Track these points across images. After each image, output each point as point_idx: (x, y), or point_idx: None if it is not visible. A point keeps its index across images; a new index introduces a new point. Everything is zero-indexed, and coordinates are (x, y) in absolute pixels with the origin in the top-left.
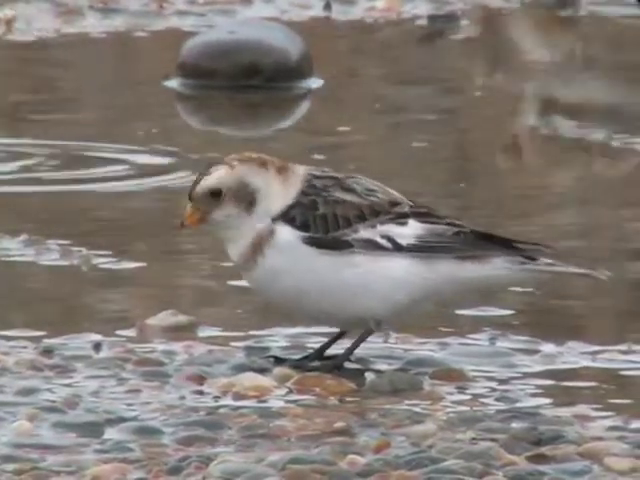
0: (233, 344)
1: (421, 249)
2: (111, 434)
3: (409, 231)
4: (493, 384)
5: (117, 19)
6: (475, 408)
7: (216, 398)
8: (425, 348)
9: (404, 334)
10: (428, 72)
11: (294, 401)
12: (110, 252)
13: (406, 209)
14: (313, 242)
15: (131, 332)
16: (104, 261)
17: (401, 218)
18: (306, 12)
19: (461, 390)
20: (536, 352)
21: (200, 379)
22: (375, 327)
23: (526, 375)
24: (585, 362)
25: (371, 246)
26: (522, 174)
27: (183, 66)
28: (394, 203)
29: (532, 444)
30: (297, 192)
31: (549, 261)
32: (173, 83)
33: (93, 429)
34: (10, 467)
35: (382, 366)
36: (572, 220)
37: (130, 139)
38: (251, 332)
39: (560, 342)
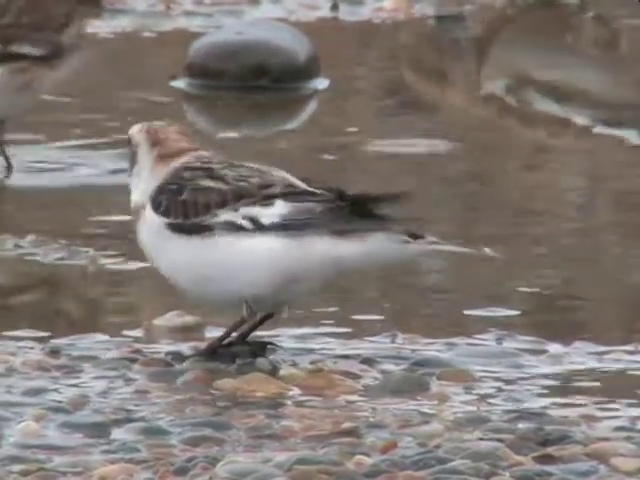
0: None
1: (285, 227)
2: (118, 434)
3: (274, 211)
4: (500, 384)
5: (124, 19)
6: (482, 408)
7: (223, 399)
8: (432, 348)
9: (411, 334)
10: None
11: (301, 402)
12: (117, 252)
13: (276, 191)
14: (174, 227)
15: (138, 332)
16: (111, 261)
17: (267, 199)
18: (313, 13)
19: (468, 390)
20: (543, 352)
21: (207, 379)
22: (247, 313)
23: (533, 375)
24: (592, 362)
25: (231, 228)
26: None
27: (191, 67)
28: (264, 186)
29: (539, 444)
30: (162, 181)
31: (433, 239)
32: (180, 83)
33: (100, 429)
34: (17, 468)
35: (389, 366)
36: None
37: None
38: (257, 333)
39: (567, 342)
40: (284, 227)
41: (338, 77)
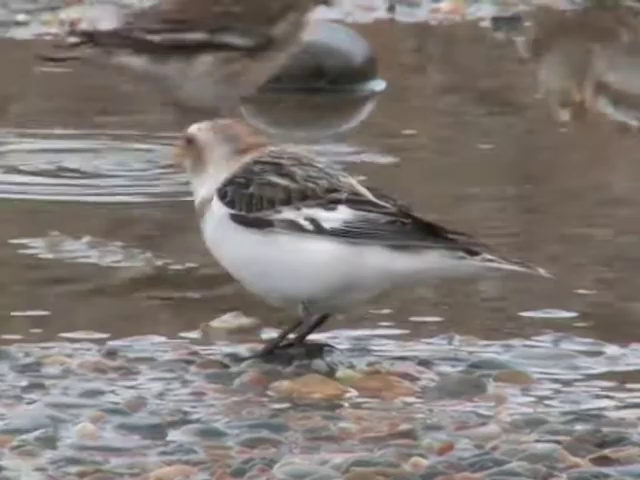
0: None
1: (346, 234)
2: (175, 436)
3: (337, 215)
4: (557, 386)
5: None
6: (539, 410)
7: (280, 400)
8: (489, 350)
9: (468, 336)
10: (492, 74)
11: (358, 403)
12: (173, 254)
13: (342, 196)
14: (237, 219)
15: (195, 334)
16: (167, 262)
17: (332, 203)
18: (370, 14)
19: (525, 392)
20: (600, 354)
21: (264, 381)
22: (303, 313)
23: (590, 377)
24: None
25: (292, 227)
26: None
27: None
28: (330, 190)
29: (596, 446)
30: (232, 173)
31: (489, 257)
32: None
33: (157, 431)
34: (74, 469)
35: (446, 368)
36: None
37: None
38: (315, 334)
39: (624, 344)
40: (344, 233)
41: (395, 79)
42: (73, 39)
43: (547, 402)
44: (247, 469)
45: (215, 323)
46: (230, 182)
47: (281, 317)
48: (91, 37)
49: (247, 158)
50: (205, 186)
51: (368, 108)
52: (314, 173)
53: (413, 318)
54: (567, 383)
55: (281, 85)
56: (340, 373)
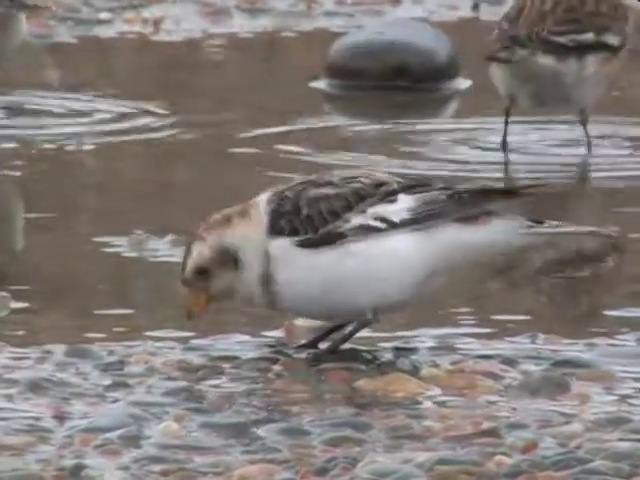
0: (381, 344)
1: (416, 221)
2: (258, 435)
3: (400, 206)
4: None
5: (264, 19)
6: (622, 409)
7: (364, 398)
8: (573, 349)
9: (552, 335)
10: None
11: (442, 402)
12: None
13: (394, 186)
14: (306, 244)
15: (279, 333)
16: None
17: (390, 196)
18: (454, 12)
19: (609, 391)
20: None
21: (348, 379)
22: (372, 316)
23: None
24: None
25: (365, 231)
26: None
27: (331, 67)
28: (379, 184)
29: None
30: (269, 211)
31: (555, 222)
32: (321, 84)
33: (240, 430)
34: (157, 468)
35: (530, 367)
36: None
37: (280, 139)
38: (399, 333)
39: None
40: (415, 221)
41: (479, 77)
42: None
43: (630, 401)
44: (330, 468)
45: (299, 321)
46: (276, 217)
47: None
48: (515, 40)
49: (260, 206)
50: (252, 272)
51: (452, 106)
52: (347, 174)
53: (496, 317)
54: None
55: (365, 83)
56: (424, 371)
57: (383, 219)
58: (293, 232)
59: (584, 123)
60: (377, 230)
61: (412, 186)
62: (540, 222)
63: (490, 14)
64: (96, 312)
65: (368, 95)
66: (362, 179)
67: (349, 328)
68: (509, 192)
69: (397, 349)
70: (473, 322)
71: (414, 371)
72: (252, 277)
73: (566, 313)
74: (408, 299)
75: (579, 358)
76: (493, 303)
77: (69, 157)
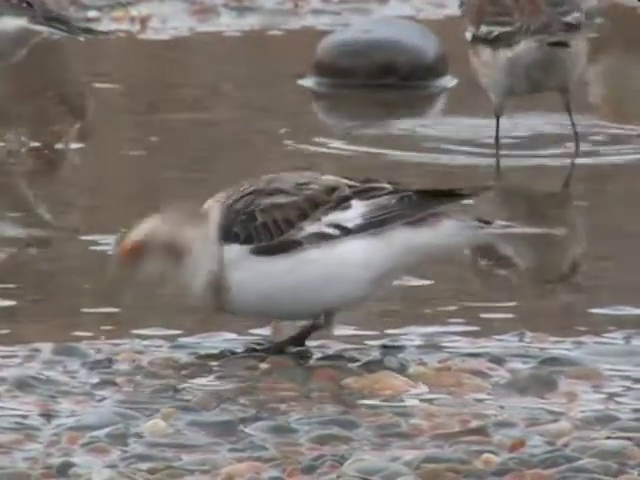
0: (368, 343)
1: (369, 226)
2: (245, 433)
3: (354, 212)
4: (628, 383)
5: (252, 18)
6: (610, 407)
7: (351, 396)
8: (560, 347)
9: (539, 333)
10: None
11: (429, 400)
12: None
13: (346, 192)
14: (262, 251)
15: (266, 331)
16: None
17: (343, 202)
18: (441, 11)
19: (596, 389)
20: None
21: (335, 378)
22: (325, 321)
23: None
24: None
25: (320, 238)
26: None
27: (318, 65)
28: (332, 189)
29: None
30: (221, 219)
31: (504, 223)
32: (308, 82)
33: (228, 428)
34: (144, 466)
35: (517, 365)
36: None
37: (269, 138)
38: (386, 331)
39: None
40: (367, 226)
41: (467, 75)
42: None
43: (618, 399)
44: (317, 466)
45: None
46: (230, 224)
47: (353, 313)
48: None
49: (213, 213)
50: (200, 265)
51: (440, 104)
52: (299, 179)
53: (484, 315)
54: (638, 380)
55: (352, 81)
56: (411, 370)
57: (337, 226)
58: (248, 239)
59: (570, 110)
60: (331, 237)
61: (364, 190)
62: (488, 222)
63: None
64: (83, 310)
65: (355, 93)
66: (313, 185)
67: (298, 330)
68: (455, 194)
69: (384, 347)
70: (461, 320)
71: (401, 369)
72: (197, 279)
73: (553, 311)
74: (362, 300)
75: (567, 356)
76: (480, 301)
77: (57, 155)
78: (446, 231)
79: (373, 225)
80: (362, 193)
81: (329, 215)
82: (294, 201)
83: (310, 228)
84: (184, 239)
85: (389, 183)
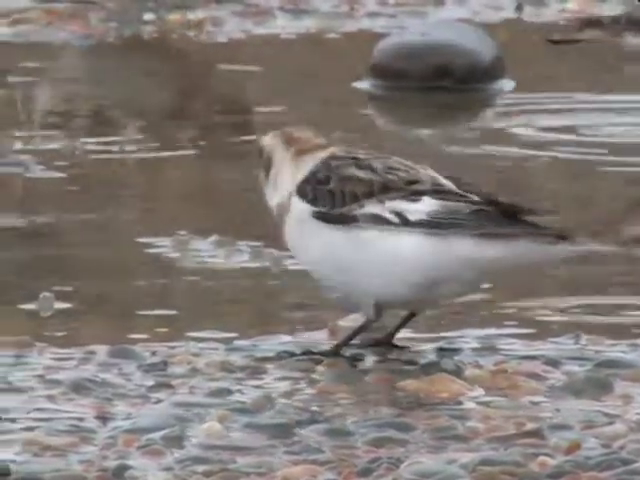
0: (424, 345)
1: (432, 225)
2: (301, 436)
3: (421, 207)
4: None
5: (308, 20)
6: None
7: (407, 399)
8: (616, 349)
9: (595, 335)
10: (620, 73)
11: (485, 402)
12: None
13: (425, 187)
14: (321, 216)
15: (322, 334)
16: (295, 262)
17: (415, 195)
18: (498, 13)
19: None
20: None
21: (391, 380)
22: (373, 313)
23: None
24: None
25: (377, 221)
26: None
27: (375, 67)
28: (412, 181)
29: None
30: (309, 171)
31: (580, 239)
32: (364, 84)
33: (284, 430)
34: (200, 468)
35: (573, 367)
36: None
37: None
38: (442, 334)
39: None
40: (430, 225)
41: (523, 78)
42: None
43: None
44: (374, 468)
45: (343, 322)
46: (309, 180)
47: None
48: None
49: (323, 154)
50: (278, 192)
51: (496, 107)
52: (394, 164)
53: (539, 317)
54: None
55: (408, 84)
56: (467, 372)
57: (399, 214)
58: (313, 201)
59: None
60: (388, 223)
61: (443, 192)
62: (566, 237)
63: (534, 15)
64: (139, 313)
65: (412, 96)
66: (400, 173)
67: (354, 327)
68: (534, 212)
69: (440, 350)
70: (516, 322)
71: (457, 372)
72: (274, 198)
73: (609, 314)
74: (411, 299)
75: (622, 358)
76: (536, 303)
77: (113, 158)
78: (517, 248)
79: (436, 225)
80: (439, 193)
81: (395, 202)
82: (370, 179)
83: (371, 208)
84: (280, 158)
85: (479, 194)
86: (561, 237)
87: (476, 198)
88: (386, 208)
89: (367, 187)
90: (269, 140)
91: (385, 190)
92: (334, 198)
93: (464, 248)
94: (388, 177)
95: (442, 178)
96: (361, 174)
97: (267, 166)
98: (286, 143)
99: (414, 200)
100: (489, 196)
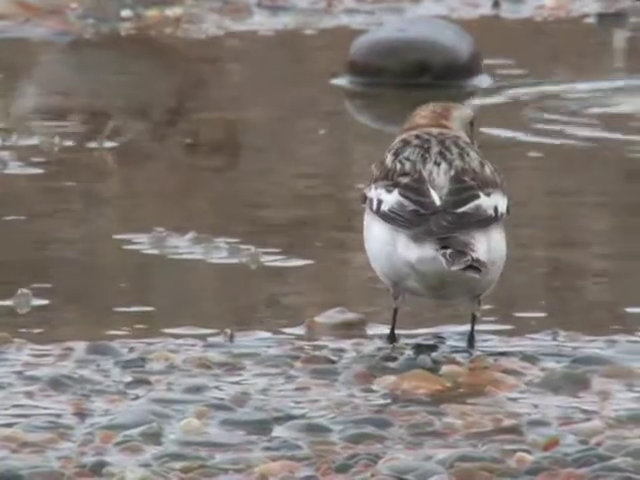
0: (402, 342)
1: (385, 217)
2: (279, 432)
3: (390, 199)
4: None
5: (285, 17)
6: None
7: (384, 396)
8: (593, 346)
9: (572, 332)
10: (596, 67)
11: (462, 399)
12: (278, 250)
13: (404, 180)
14: (361, 196)
15: (300, 330)
16: (272, 259)
17: (392, 187)
18: (475, 10)
19: (629, 387)
20: None
21: (369, 377)
22: (392, 295)
23: None
24: None
25: (368, 204)
26: None
27: (352, 64)
28: (404, 174)
29: None
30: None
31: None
32: (342, 81)
33: (261, 427)
34: (178, 465)
35: (550, 364)
36: None
37: (300, 137)
38: (420, 330)
39: None
40: (385, 217)
41: (500, 75)
42: None
43: None
44: (351, 465)
45: (320, 318)
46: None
47: (387, 312)
48: None
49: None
50: None
51: (473, 104)
52: (414, 155)
53: (517, 314)
54: None
55: (385, 81)
56: (445, 369)
57: (379, 202)
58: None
59: None
60: (371, 208)
61: (412, 188)
62: (462, 254)
63: (511, 12)
64: (117, 309)
65: (389, 92)
66: (407, 163)
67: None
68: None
69: (418, 346)
70: (494, 319)
71: (435, 368)
72: None
73: (586, 310)
74: (396, 289)
75: (600, 355)
76: (514, 300)
77: (90, 153)
78: (424, 252)
79: (387, 218)
80: (408, 189)
81: (379, 190)
82: (387, 165)
83: (370, 192)
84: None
85: (449, 198)
86: (457, 257)
87: (429, 200)
88: (376, 194)
89: (379, 172)
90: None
91: (382, 177)
92: (368, 179)
93: (400, 245)
94: (396, 166)
95: (445, 175)
96: (387, 159)
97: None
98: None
99: (389, 191)
100: (454, 203)
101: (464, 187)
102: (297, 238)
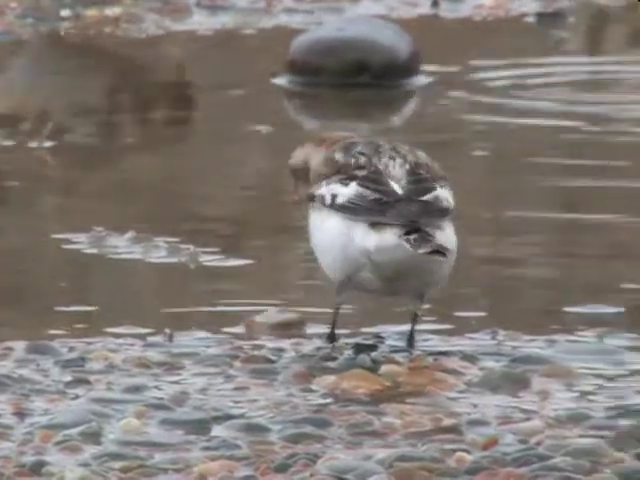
0: (342, 341)
1: (343, 209)
2: (218, 431)
3: (347, 191)
4: (601, 381)
5: (225, 16)
6: (582, 405)
7: (324, 395)
8: (533, 345)
9: (512, 331)
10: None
11: (402, 398)
12: (218, 249)
13: (362, 173)
14: (309, 196)
15: (239, 329)
16: (211, 258)
17: (348, 180)
18: (414, 10)
19: (569, 387)
20: None
21: (308, 376)
22: (336, 291)
23: (634, 372)
24: None
25: (320, 201)
26: None
27: (292, 63)
28: (360, 167)
29: None
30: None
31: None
32: (281, 80)
33: (200, 426)
34: (117, 465)
35: (490, 363)
36: None
37: (243, 137)
38: (360, 329)
39: None
40: (342, 208)
41: (439, 74)
42: None
43: (591, 397)
44: (290, 464)
45: (259, 318)
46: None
47: (327, 312)
48: None
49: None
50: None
51: (412, 103)
52: (367, 150)
53: (457, 313)
54: (611, 378)
55: (324, 80)
56: (384, 368)
57: (333, 196)
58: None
59: None
60: (323, 203)
61: (372, 180)
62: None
63: (450, 11)
64: (56, 309)
65: (329, 92)
66: (362, 158)
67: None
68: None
69: (357, 345)
70: (433, 319)
71: (374, 368)
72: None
73: (526, 309)
74: (346, 284)
75: (539, 354)
76: (453, 300)
77: (29, 153)
78: (385, 238)
79: (346, 209)
80: (367, 181)
81: (333, 184)
82: (338, 162)
83: (321, 189)
84: (316, 157)
85: (411, 188)
86: (420, 237)
87: (390, 189)
88: (328, 189)
89: (331, 169)
90: (299, 153)
91: (335, 173)
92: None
93: (357, 235)
94: (349, 160)
95: (403, 168)
96: (337, 156)
97: (302, 180)
98: (317, 145)
99: (346, 185)
100: (416, 192)
101: (421, 179)
102: (236, 238)
